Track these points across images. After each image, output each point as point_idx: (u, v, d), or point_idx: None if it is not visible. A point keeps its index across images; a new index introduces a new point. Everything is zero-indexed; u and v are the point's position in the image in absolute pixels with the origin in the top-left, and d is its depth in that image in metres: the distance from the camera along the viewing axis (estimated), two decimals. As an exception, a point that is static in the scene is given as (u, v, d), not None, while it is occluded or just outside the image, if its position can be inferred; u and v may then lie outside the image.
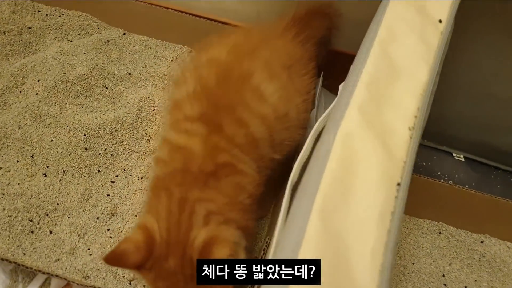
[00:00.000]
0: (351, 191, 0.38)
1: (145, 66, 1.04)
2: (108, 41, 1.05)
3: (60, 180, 0.86)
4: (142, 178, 0.89)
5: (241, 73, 0.68)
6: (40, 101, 0.93)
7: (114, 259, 0.57)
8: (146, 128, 0.94)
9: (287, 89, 0.70)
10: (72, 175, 0.87)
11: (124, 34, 1.08)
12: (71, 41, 1.05)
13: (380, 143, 0.41)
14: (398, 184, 0.39)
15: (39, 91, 0.95)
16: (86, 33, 1.07)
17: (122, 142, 0.92)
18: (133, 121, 0.94)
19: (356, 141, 0.41)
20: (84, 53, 1.02)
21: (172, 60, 1.05)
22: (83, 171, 0.88)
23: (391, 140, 0.42)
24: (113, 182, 0.88)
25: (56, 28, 1.06)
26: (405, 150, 0.41)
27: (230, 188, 0.62)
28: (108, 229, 0.82)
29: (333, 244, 0.35)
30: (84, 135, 0.91)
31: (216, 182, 0.61)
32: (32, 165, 0.86)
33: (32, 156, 0.87)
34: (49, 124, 0.92)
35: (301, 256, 0.35)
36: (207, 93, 0.67)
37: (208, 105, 0.66)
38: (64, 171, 0.87)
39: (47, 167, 0.87)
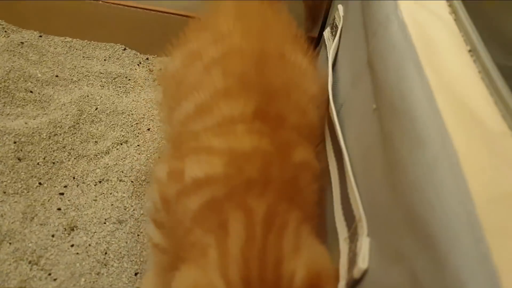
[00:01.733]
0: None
1: (74, 67, 0.88)
2: (22, 43, 0.88)
3: (-12, 200, 0.65)
4: (100, 182, 0.71)
5: (274, 53, 0.56)
6: None
7: None
8: (90, 129, 0.78)
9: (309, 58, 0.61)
10: (4, 192, 0.67)
11: (40, 36, 0.92)
12: (-29, 46, 0.85)
13: None
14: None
15: None
16: (-10, 38, 0.88)
17: (64, 147, 0.74)
18: (74, 123, 0.77)
19: None
20: (-7, 57, 0.83)
21: (105, 59, 0.91)
22: (19, 186, 0.68)
23: None
24: (62, 194, 0.69)
25: None
26: None
27: (309, 189, 0.48)
28: (72, 245, 0.63)
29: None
30: (14, 142, 0.71)
31: (297, 185, 0.47)
32: None
33: None
34: (-40, 137, 0.70)
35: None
36: (249, 85, 0.52)
37: (257, 97, 0.51)
38: (-8, 190, 0.66)
39: (-35, 188, 0.65)
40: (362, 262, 0.31)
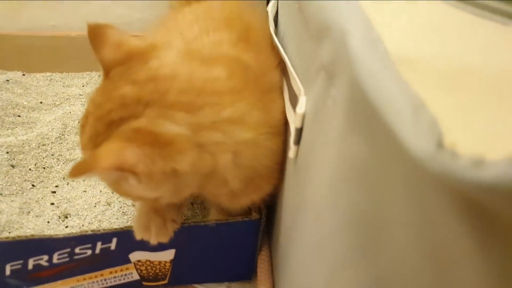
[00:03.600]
0: None
1: (56, 94, 0.98)
2: (8, 80, 0.98)
3: (-13, 201, 0.71)
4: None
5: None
6: None
7: (97, 32, 0.48)
8: (75, 138, 0.86)
9: None
10: (1, 194, 0.74)
11: (24, 74, 1.02)
12: (-38, 88, 0.95)
13: None
14: None
15: None
16: (-22, 80, 0.98)
17: (53, 154, 0.82)
18: (60, 134, 0.86)
19: None
20: (-17, 92, 0.93)
21: (83, 85, 1.02)
22: (14, 188, 0.75)
23: None
24: (54, 192, 0.76)
25: None
26: None
27: None
28: (67, 227, 0.69)
29: None
30: (7, 152, 0.79)
31: None
32: None
33: None
34: (-43, 154, 0.78)
35: None
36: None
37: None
38: (-11, 193, 0.73)
39: (-36, 194, 0.72)
40: (299, 109, 0.39)
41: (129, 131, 0.42)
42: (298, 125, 0.40)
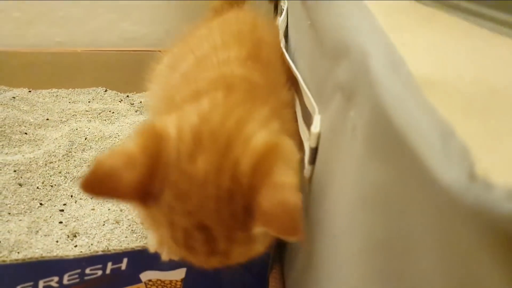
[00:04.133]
0: None
1: (62, 110, 0.98)
2: (14, 97, 0.98)
3: (-5, 221, 0.71)
4: (96, 194, 0.78)
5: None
6: None
7: (97, 181, 0.35)
8: (83, 155, 0.86)
9: None
10: (9, 213, 0.73)
11: (30, 91, 1.02)
12: (-31, 105, 0.95)
13: None
14: None
15: None
16: (-16, 97, 0.99)
17: (60, 172, 0.82)
18: (67, 151, 0.85)
19: None
20: (-11, 110, 0.93)
21: (89, 101, 1.02)
22: (22, 207, 0.75)
23: None
24: (62, 210, 0.76)
25: None
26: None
27: None
28: (76, 246, 0.68)
29: None
30: (14, 171, 0.79)
31: None
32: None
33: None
34: (-36, 172, 0.78)
35: None
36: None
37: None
38: (-3, 212, 0.72)
39: (-28, 213, 0.72)
40: (314, 128, 0.38)
41: None
42: (313, 144, 0.39)
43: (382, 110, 0.23)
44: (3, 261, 0.53)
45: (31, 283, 0.54)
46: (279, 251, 0.66)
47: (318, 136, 0.39)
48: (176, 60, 0.64)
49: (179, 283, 0.61)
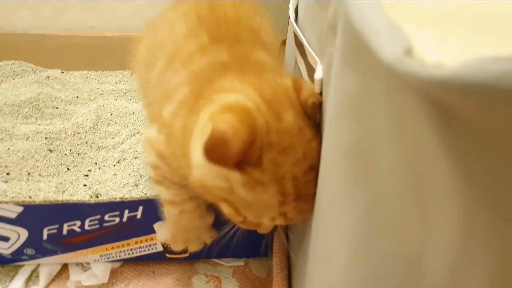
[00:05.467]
0: None
1: (91, 90, 1.05)
2: (48, 77, 1.06)
3: (27, 181, 0.78)
4: (118, 162, 0.84)
5: None
6: (-14, 123, 0.88)
7: (216, 148, 0.38)
8: (108, 128, 0.92)
9: None
10: (39, 174, 0.80)
11: (62, 72, 1.10)
12: (6, 82, 1.04)
13: None
14: None
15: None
16: (21, 76, 1.07)
17: (87, 142, 0.88)
18: (93, 124, 0.92)
19: None
20: (25, 87, 1.01)
21: (116, 83, 1.09)
22: (51, 170, 0.81)
23: None
24: (87, 175, 0.82)
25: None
26: None
27: None
28: (97, 203, 0.74)
29: None
30: (46, 138, 0.86)
31: None
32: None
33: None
34: (1, 138, 0.85)
35: None
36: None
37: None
38: (29, 173, 0.79)
39: (7, 174, 0.78)
40: (317, 75, 0.42)
41: None
42: (318, 90, 0.43)
43: (350, 23, 0.27)
44: (33, 201, 0.59)
45: (56, 226, 0.60)
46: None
47: (321, 82, 0.43)
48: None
49: (189, 236, 0.65)
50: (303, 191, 0.43)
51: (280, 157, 0.41)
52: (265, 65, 0.54)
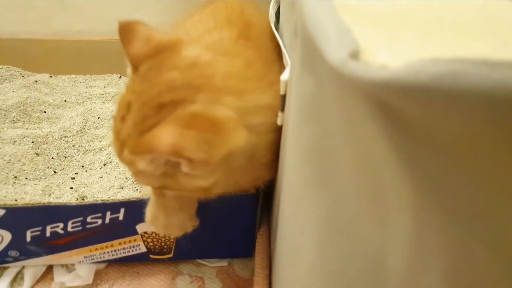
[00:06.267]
0: None
1: (79, 93, 1.06)
2: (36, 81, 1.07)
3: (13, 184, 0.78)
4: (105, 165, 0.85)
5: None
6: (-26, 127, 0.88)
7: (127, 29, 0.50)
8: (95, 132, 0.93)
9: None
10: (26, 178, 0.80)
11: (51, 76, 1.11)
12: (-5, 88, 1.04)
13: None
14: None
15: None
16: (9, 81, 1.07)
17: (74, 145, 0.89)
18: (80, 128, 0.93)
19: None
20: (13, 91, 1.02)
21: (104, 86, 1.09)
22: (38, 174, 0.82)
23: None
24: (74, 178, 0.83)
25: (-24, 82, 1.05)
26: None
27: None
28: (83, 206, 0.75)
29: None
30: (32, 142, 0.86)
31: None
32: (-23, 176, 0.78)
33: (-26, 169, 0.79)
34: (-12, 143, 0.86)
35: None
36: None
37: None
38: (15, 177, 0.80)
39: (-7, 178, 0.79)
40: (283, 76, 0.43)
41: (187, 116, 0.42)
42: (282, 91, 0.44)
43: (305, 26, 0.28)
44: (15, 204, 0.59)
45: (39, 228, 0.61)
46: (268, 211, 0.71)
47: (286, 84, 0.44)
48: None
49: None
50: None
51: None
52: None
